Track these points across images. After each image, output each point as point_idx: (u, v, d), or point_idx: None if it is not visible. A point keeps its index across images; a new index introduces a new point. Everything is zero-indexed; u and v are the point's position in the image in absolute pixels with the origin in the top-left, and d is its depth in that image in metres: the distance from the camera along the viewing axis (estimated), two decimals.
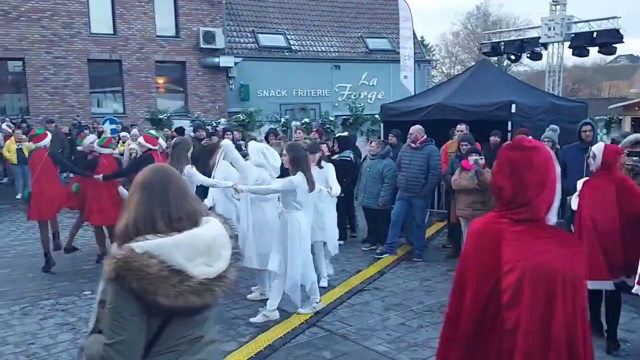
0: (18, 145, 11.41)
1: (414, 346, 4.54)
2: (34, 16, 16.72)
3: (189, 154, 5.69)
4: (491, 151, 7.61)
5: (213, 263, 1.90)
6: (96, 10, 17.71)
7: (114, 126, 14.51)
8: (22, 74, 17.03)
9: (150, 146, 7.08)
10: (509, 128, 8.66)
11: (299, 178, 5.00)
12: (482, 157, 6.54)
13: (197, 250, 1.86)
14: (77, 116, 16.20)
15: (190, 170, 5.52)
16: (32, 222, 7.25)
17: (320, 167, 6.05)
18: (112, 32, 17.95)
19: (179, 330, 1.87)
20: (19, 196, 11.01)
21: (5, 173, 13.40)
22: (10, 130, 12.76)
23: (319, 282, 5.61)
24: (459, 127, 7.94)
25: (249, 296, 5.78)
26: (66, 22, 17.16)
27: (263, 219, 5.39)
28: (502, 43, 19.05)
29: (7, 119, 14.44)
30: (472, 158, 6.49)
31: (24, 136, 11.73)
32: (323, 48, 22.33)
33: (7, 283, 6.31)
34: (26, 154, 11.52)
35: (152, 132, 7.21)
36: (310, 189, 5.09)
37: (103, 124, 14.88)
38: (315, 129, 11.29)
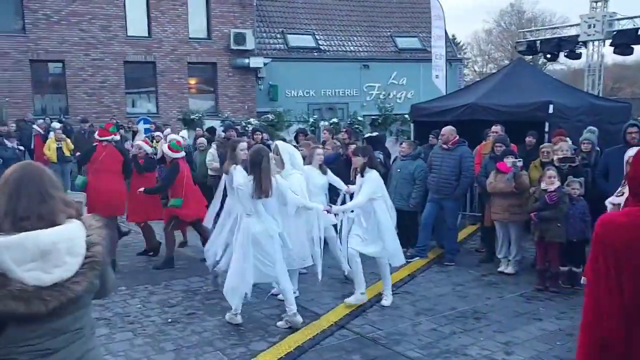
0: (58, 144, 11.72)
1: (446, 353, 4.45)
2: (74, 20, 17.23)
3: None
4: (527, 152, 7.46)
5: (51, 270, 1.75)
6: (132, 14, 18.15)
7: (147, 126, 14.73)
8: (62, 76, 17.56)
9: (176, 155, 6.97)
10: (546, 129, 8.40)
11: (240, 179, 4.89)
12: (520, 159, 6.39)
13: (27, 254, 1.71)
14: (114, 116, 16.58)
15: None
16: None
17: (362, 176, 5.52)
18: (147, 34, 18.37)
19: (18, 337, 1.75)
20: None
21: None
22: (41, 130, 13.13)
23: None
24: (493, 128, 7.74)
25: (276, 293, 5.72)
26: (104, 25, 17.65)
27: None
28: (539, 41, 18.62)
29: (42, 119, 14.87)
30: (510, 160, 6.33)
31: (63, 135, 12.08)
32: (352, 48, 22.27)
33: None
34: (66, 152, 11.88)
35: (174, 139, 7.16)
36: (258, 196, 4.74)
37: (137, 124, 15.18)
38: (344, 129, 11.24)
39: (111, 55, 17.79)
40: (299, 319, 4.94)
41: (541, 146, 6.92)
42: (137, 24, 18.19)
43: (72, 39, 17.27)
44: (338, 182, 6.21)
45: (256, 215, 4.84)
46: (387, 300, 5.60)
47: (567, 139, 7.18)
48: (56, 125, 13.33)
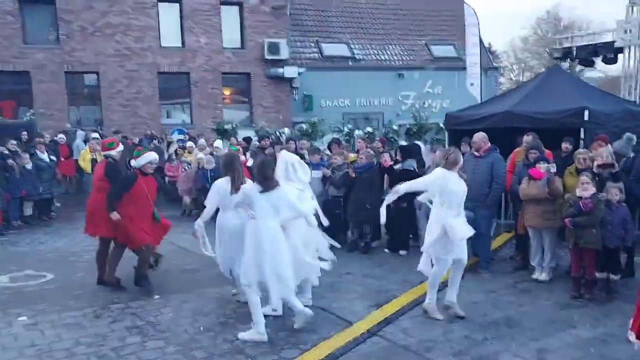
0: (92, 155, 12.04)
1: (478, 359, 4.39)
2: (108, 31, 17.57)
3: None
4: (562, 159, 7.31)
5: None
6: (166, 25, 18.41)
7: (181, 136, 15.03)
8: (96, 87, 17.89)
9: None
10: (582, 136, 8.24)
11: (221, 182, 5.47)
12: (553, 164, 6.26)
13: None
14: (148, 127, 16.89)
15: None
16: None
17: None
18: (180, 45, 18.61)
19: None
20: None
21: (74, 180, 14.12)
22: (63, 142, 13.58)
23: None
24: (525, 137, 7.67)
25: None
26: (138, 37, 17.94)
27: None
28: (574, 48, 18.23)
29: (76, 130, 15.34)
30: (544, 166, 6.23)
31: (98, 147, 12.41)
32: (387, 57, 22.24)
33: (81, 287, 6.54)
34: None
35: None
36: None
37: (172, 134, 15.48)
38: (378, 139, 11.24)
39: (145, 66, 18.07)
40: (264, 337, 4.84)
41: (576, 152, 6.79)
42: (171, 35, 18.46)
43: (106, 50, 17.59)
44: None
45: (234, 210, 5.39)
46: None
47: (608, 145, 7.03)
48: (92, 135, 13.75)
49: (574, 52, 18.15)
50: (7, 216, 10.02)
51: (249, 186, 5.12)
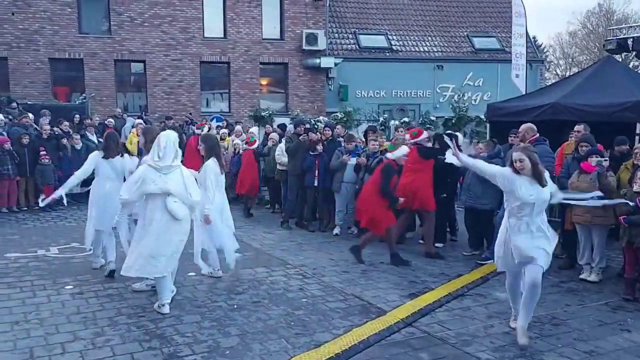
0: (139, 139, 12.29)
1: (521, 357, 4.16)
2: (156, 22, 18.13)
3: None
4: (617, 160, 6.86)
5: None
6: (209, 16, 18.80)
7: (219, 123, 15.14)
8: (142, 75, 18.50)
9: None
10: (637, 131, 7.78)
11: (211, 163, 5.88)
12: (606, 158, 5.93)
13: None
14: (190, 114, 17.19)
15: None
16: None
17: None
18: (222, 35, 18.91)
19: None
20: None
21: None
22: (112, 125, 13.84)
23: None
24: (576, 127, 7.23)
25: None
26: (183, 27, 18.42)
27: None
28: (631, 39, 17.33)
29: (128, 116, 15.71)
30: (595, 159, 5.91)
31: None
32: (426, 48, 21.83)
33: (122, 260, 6.59)
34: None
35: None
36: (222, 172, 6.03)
37: (210, 121, 15.59)
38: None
39: (188, 55, 18.51)
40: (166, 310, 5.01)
41: (635, 147, 6.38)
42: (213, 26, 18.83)
43: (153, 40, 18.16)
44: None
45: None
46: None
47: None
48: (138, 120, 14.01)
49: (630, 43, 17.22)
50: None
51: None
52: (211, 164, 5.89)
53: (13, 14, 17.00)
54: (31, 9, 17.12)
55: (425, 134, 7.54)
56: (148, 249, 4.90)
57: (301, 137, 9.26)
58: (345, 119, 15.91)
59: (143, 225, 5.04)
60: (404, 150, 7.02)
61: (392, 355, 4.19)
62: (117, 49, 17.93)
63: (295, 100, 19.56)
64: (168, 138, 5.08)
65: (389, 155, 7.05)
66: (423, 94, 21.33)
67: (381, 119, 16.46)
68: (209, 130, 13.91)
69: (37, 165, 10.47)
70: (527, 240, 4.27)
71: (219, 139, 11.41)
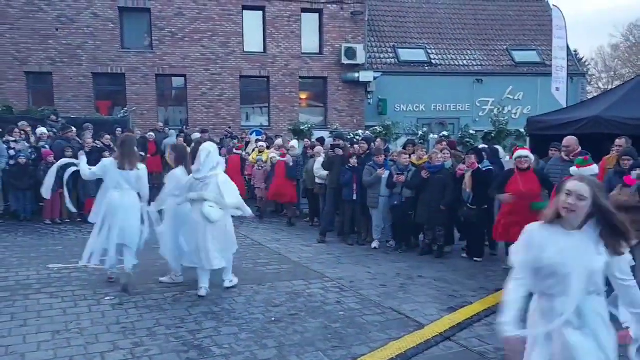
0: None
1: None
2: (196, 37, 18.51)
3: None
4: None
5: None
6: (249, 31, 19.10)
7: (259, 137, 15.39)
8: (183, 89, 18.89)
9: None
10: None
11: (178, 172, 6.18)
12: None
13: None
14: (229, 127, 17.52)
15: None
16: None
17: None
18: (262, 50, 19.21)
19: None
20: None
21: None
22: (152, 139, 14.35)
23: None
24: (617, 141, 7.12)
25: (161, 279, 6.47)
26: (223, 42, 18.75)
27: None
28: None
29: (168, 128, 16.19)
30: (636, 172, 5.80)
31: (184, 144, 13.02)
32: (465, 62, 21.70)
33: (162, 273, 6.77)
34: None
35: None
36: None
37: (250, 135, 15.89)
38: (447, 142, 10.91)
39: (228, 70, 18.84)
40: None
41: None
42: (253, 41, 19.11)
43: (193, 54, 18.53)
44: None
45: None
46: None
47: None
48: (174, 134, 14.46)
49: None
50: None
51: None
52: (178, 172, 6.23)
53: (57, 30, 17.53)
54: (74, 25, 17.62)
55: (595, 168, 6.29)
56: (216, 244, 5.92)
57: (329, 152, 9.38)
58: (384, 132, 15.96)
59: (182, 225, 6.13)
60: (594, 169, 6.16)
61: None
62: (158, 64, 18.31)
63: (334, 114, 19.68)
64: (206, 150, 5.82)
65: (574, 170, 6.08)
66: (462, 107, 21.16)
67: (420, 132, 16.43)
68: (246, 144, 14.32)
69: (80, 178, 10.76)
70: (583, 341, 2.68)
71: (257, 152, 11.87)
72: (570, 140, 6.71)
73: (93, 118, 14.98)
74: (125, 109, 17.15)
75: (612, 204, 6.03)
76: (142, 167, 6.32)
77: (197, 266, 6.01)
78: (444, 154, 8.32)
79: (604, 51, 40.96)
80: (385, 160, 8.68)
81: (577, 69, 22.55)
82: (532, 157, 6.89)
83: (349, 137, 13.22)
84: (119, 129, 13.66)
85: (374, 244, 8.69)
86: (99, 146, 11.34)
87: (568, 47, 15.39)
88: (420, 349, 4.56)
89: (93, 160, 11.01)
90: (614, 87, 35.62)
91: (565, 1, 33.93)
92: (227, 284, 6.25)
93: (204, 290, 5.92)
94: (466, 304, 5.81)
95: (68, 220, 10.66)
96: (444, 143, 9.40)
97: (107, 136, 11.99)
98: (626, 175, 6.06)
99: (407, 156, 8.52)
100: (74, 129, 12.01)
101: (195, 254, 5.97)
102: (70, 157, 10.58)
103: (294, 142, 12.26)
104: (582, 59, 35.97)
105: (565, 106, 12.43)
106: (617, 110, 8.52)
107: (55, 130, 12.63)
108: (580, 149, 6.67)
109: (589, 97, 24.49)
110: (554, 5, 14.43)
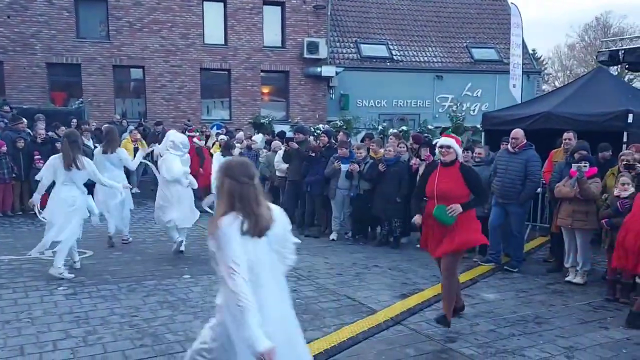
0: (134, 145, 12.36)
1: (503, 352, 4.33)
2: (155, 27, 18.08)
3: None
4: (601, 165, 7.05)
5: None
6: (210, 23, 18.79)
7: (219, 131, 15.27)
8: (141, 81, 18.45)
9: None
10: (624, 139, 7.98)
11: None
12: (586, 164, 6.09)
13: None
14: (189, 120, 17.27)
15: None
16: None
17: None
18: (223, 42, 18.96)
19: None
20: (134, 190, 11.87)
21: None
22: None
23: None
24: (565, 135, 7.44)
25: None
26: (183, 33, 18.38)
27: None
28: (622, 51, 17.55)
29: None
30: (577, 165, 6.08)
31: (139, 136, 12.82)
32: (426, 58, 22.07)
33: (118, 264, 6.84)
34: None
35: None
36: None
37: (211, 129, 15.74)
38: (412, 135, 11.13)
39: (188, 62, 18.50)
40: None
41: (621, 153, 6.57)
42: (214, 33, 18.81)
43: (152, 46, 18.10)
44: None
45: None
46: None
47: None
48: (131, 127, 14.13)
49: (621, 55, 17.44)
50: None
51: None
52: (57, 159, 6.34)
53: (9, 17, 16.87)
54: (27, 13, 16.99)
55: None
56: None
57: (283, 146, 9.44)
58: (344, 127, 16.10)
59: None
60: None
61: (380, 351, 4.34)
62: (116, 54, 17.82)
63: (296, 108, 19.65)
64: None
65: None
66: (423, 103, 21.53)
67: (380, 127, 16.65)
68: (206, 138, 14.20)
69: (31, 169, 10.50)
70: None
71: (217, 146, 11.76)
72: (517, 132, 6.96)
73: (46, 109, 14.48)
74: (81, 99, 16.65)
75: (556, 194, 6.34)
76: (120, 150, 7.76)
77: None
78: (399, 147, 8.49)
79: (561, 50, 42.36)
80: (351, 153, 8.75)
81: (533, 67, 23.23)
82: (457, 148, 4.87)
83: (310, 131, 13.29)
84: (74, 121, 13.33)
85: (332, 236, 8.80)
86: (52, 137, 11.06)
87: (524, 45, 15.89)
88: (372, 332, 4.70)
89: (47, 152, 10.81)
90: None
91: (526, 1, 34.76)
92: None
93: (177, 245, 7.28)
94: (418, 290, 5.99)
95: (20, 213, 10.41)
96: (400, 137, 9.58)
97: (62, 127, 11.60)
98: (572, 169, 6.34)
99: (363, 150, 8.65)
100: (24, 120, 11.65)
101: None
102: (21, 149, 10.40)
103: (258, 136, 12.25)
104: (539, 58, 37.09)
105: (520, 102, 12.84)
106: (568, 107, 8.89)
107: (5, 121, 12.24)
108: (526, 141, 6.91)
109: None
110: (511, 2, 14.82)
